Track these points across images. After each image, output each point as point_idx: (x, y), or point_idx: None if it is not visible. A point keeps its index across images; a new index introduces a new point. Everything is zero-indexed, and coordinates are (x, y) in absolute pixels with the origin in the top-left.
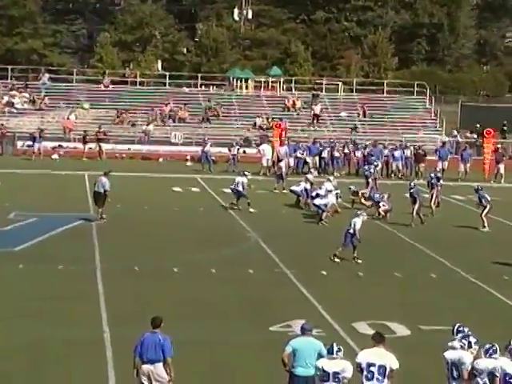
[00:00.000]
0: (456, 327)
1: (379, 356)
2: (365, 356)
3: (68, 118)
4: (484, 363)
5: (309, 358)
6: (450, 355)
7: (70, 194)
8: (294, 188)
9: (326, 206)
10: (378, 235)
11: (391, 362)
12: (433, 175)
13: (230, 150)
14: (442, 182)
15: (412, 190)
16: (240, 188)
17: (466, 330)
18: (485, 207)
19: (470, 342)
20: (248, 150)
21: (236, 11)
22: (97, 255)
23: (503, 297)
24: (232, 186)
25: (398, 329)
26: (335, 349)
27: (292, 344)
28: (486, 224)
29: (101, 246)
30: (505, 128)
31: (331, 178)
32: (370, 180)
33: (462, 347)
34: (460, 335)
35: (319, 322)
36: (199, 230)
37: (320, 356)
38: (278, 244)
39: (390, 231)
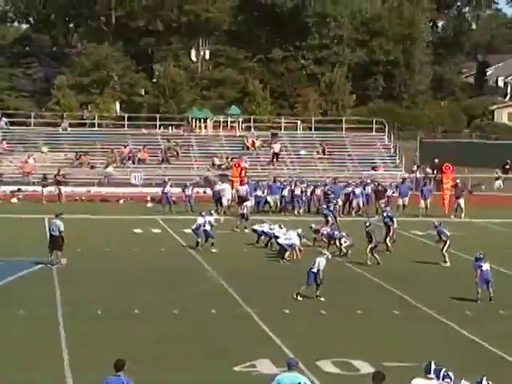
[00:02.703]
0: (432, 365)
1: None
2: None
3: (27, 162)
4: None
5: None
6: None
7: (30, 238)
8: (256, 227)
9: (290, 246)
10: (340, 272)
11: None
12: (385, 214)
13: (184, 191)
14: (395, 220)
15: (368, 229)
16: (208, 227)
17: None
18: (445, 242)
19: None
20: (209, 190)
21: (193, 51)
22: (58, 299)
23: (466, 332)
24: (194, 227)
25: (362, 366)
26: None
27: (276, 379)
28: (447, 259)
29: (62, 289)
30: (507, 166)
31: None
32: (328, 218)
33: None
34: (434, 374)
35: (283, 360)
36: (161, 271)
37: None
38: (240, 283)
39: (352, 268)
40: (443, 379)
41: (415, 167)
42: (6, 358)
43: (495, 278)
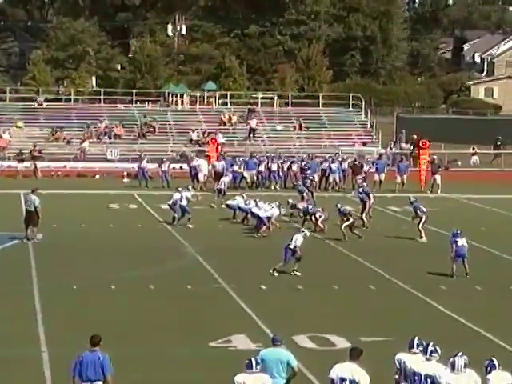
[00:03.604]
0: (415, 340)
1: (351, 371)
2: (337, 370)
3: (1, 137)
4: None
5: (276, 368)
6: (426, 369)
7: (5, 213)
8: (229, 202)
9: (269, 218)
10: (316, 248)
11: (362, 378)
12: (361, 190)
13: (160, 166)
14: (372, 195)
15: (341, 209)
16: (184, 203)
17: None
18: (421, 218)
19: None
20: (185, 166)
21: (170, 27)
22: (34, 274)
23: (441, 307)
24: (170, 202)
25: (339, 341)
26: (254, 363)
27: (260, 355)
28: (423, 235)
29: (38, 264)
30: (498, 143)
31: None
32: (304, 194)
33: (427, 360)
34: (420, 348)
35: (259, 336)
36: (137, 246)
37: (289, 366)
38: (217, 259)
39: (328, 244)
40: (431, 354)
41: (392, 143)
42: None
43: (471, 254)
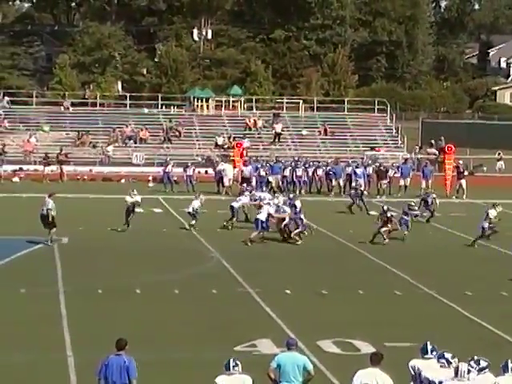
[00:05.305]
0: (428, 346)
1: (375, 377)
2: (361, 377)
3: (28, 141)
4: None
5: (293, 372)
6: (434, 376)
7: (31, 217)
8: (233, 204)
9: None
10: (341, 253)
11: (387, 383)
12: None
13: (185, 171)
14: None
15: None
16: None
17: (435, 347)
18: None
19: (447, 360)
20: (210, 170)
21: (195, 31)
22: (59, 278)
23: (467, 313)
24: (190, 210)
25: (363, 346)
26: (232, 364)
27: (276, 359)
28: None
29: (63, 268)
30: None
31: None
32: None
33: (442, 367)
34: (434, 353)
35: (284, 340)
36: (162, 250)
37: (305, 370)
38: (241, 263)
39: (353, 248)
40: (448, 362)
41: (417, 148)
42: (8, 338)
43: (496, 259)
